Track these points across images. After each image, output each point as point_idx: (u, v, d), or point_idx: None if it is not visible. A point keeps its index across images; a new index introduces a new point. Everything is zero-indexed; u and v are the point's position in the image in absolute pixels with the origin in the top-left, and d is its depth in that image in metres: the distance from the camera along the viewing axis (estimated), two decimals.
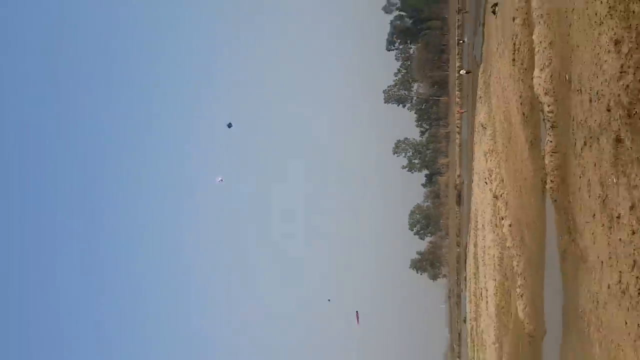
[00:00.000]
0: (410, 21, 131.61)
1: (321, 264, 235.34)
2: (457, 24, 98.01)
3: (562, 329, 22.71)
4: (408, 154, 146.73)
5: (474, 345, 68.85)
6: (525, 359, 32.71)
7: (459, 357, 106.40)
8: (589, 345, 17.41)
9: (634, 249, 12.84)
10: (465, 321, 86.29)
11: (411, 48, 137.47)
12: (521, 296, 32.95)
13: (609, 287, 14.91)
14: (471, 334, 72.71)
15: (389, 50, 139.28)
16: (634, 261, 12.80)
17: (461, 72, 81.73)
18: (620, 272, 13.92)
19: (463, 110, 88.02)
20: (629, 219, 13.15)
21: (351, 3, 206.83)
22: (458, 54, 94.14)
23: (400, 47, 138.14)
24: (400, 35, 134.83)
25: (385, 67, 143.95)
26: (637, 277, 12.65)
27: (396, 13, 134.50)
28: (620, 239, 13.87)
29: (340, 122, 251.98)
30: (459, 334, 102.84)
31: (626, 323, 13.47)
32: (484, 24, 55.28)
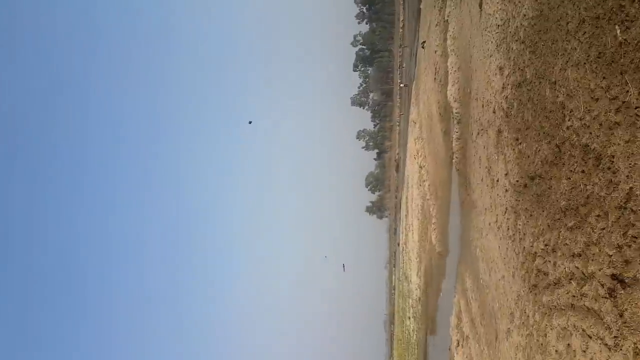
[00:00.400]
0: (368, 52, 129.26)
1: (311, 213, 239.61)
2: (399, 54, 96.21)
3: (459, 250, 23.09)
4: (366, 139, 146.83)
5: (403, 259, 70.23)
6: (435, 269, 33.36)
7: (394, 267, 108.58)
8: (476, 260, 17.81)
9: (506, 201, 13.00)
10: (398, 245, 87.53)
11: (369, 70, 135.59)
12: (434, 229, 33.45)
13: (489, 224, 15.15)
14: (402, 252, 73.94)
15: (355, 71, 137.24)
16: (506, 208, 12.97)
17: (401, 85, 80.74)
18: (496, 215, 14.11)
19: (401, 113, 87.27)
20: (503, 182, 13.27)
21: (331, 41, 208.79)
22: (399, 74, 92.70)
23: (362, 69, 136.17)
24: (361, 61, 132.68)
25: (352, 82, 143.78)
26: (507, 219, 12.85)
27: (359, 46, 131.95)
28: (497, 195, 14.02)
29: (322, 117, 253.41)
30: (395, 252, 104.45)
31: (499, 247, 13.76)
32: (416, 54, 54.42)
